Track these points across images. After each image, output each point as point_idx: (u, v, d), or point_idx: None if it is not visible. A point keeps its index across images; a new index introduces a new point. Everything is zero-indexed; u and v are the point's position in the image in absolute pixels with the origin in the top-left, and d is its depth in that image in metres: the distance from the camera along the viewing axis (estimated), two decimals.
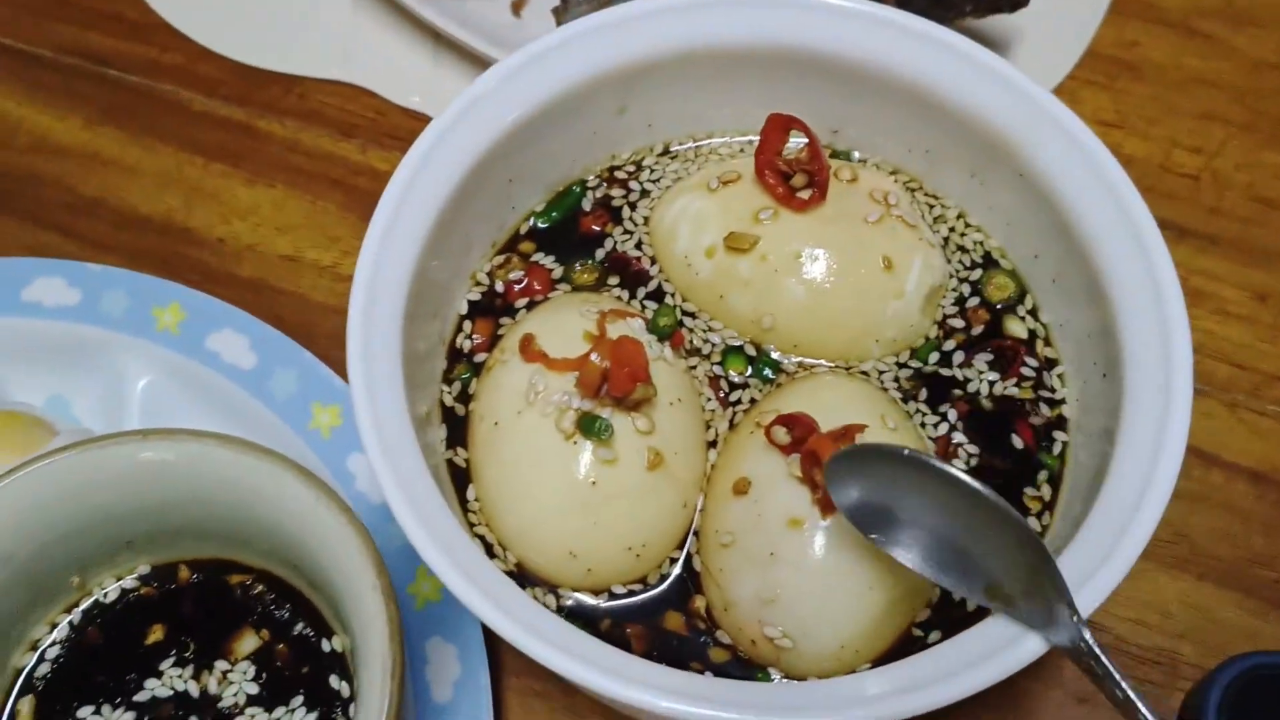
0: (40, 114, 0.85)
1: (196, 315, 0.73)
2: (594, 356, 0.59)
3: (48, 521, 0.56)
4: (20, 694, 0.59)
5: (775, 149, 0.65)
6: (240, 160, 0.83)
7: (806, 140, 0.65)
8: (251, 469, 0.55)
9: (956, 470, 0.51)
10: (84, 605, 0.61)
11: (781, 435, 0.58)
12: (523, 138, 0.65)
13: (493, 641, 0.66)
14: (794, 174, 0.65)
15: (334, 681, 0.59)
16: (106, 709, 0.58)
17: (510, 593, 0.53)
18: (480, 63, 0.85)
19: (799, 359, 0.65)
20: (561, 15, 0.83)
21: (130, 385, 0.72)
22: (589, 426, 0.58)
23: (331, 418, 0.69)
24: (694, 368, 0.65)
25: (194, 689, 0.59)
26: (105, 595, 0.61)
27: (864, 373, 0.64)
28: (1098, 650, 0.50)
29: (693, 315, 0.66)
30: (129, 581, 0.61)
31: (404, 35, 0.88)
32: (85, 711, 0.58)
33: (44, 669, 0.59)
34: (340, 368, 0.68)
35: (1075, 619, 0.50)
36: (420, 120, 0.85)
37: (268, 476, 0.55)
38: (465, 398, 0.64)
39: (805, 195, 0.64)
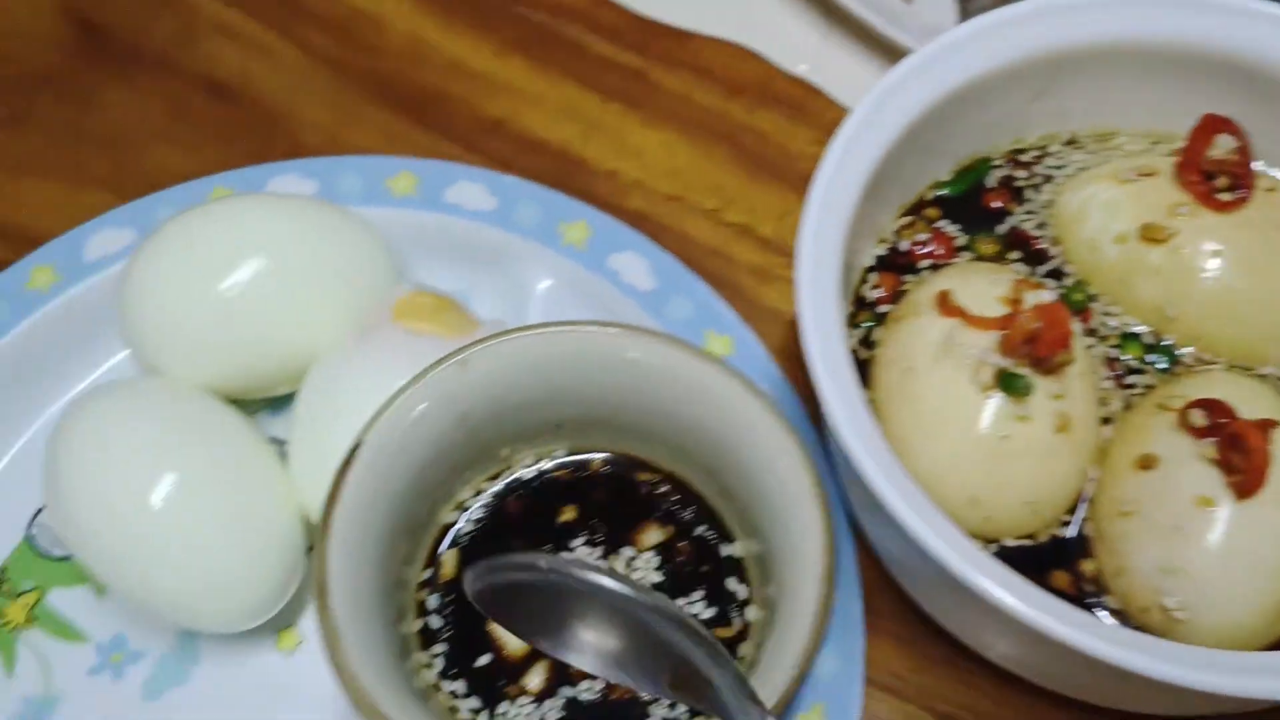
0: (455, 41, 0.91)
1: (601, 235, 0.78)
2: (1024, 316, 0.62)
3: (508, 391, 0.61)
4: (447, 547, 0.63)
5: (1202, 148, 0.68)
6: (635, 104, 0.88)
7: (1236, 144, 0.67)
8: (705, 374, 0.59)
9: (605, 579, 0.50)
10: (505, 477, 0.65)
11: (1198, 419, 0.61)
12: (944, 114, 0.68)
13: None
14: (1218, 175, 0.67)
15: (731, 584, 0.63)
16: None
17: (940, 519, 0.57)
18: (870, 39, 0.89)
19: (1198, 353, 0.67)
20: (968, 3, 0.86)
21: (530, 289, 0.77)
22: (1010, 382, 0.61)
23: (724, 347, 0.73)
24: (1090, 347, 0.67)
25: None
26: (525, 471, 0.66)
27: (1261, 376, 0.66)
28: None
29: (1092, 298, 0.68)
30: (546, 463, 0.66)
31: (797, 5, 0.92)
32: None
33: (467, 528, 0.64)
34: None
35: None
36: (806, 88, 0.89)
37: (717, 381, 0.59)
38: (868, 344, 0.68)
39: (1227, 197, 0.66)
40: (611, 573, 0.50)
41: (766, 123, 0.87)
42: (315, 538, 0.67)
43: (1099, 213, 0.68)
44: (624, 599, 0.49)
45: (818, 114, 0.88)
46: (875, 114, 0.66)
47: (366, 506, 0.57)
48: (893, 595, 0.70)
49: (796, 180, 0.85)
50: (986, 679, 0.70)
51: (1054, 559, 0.63)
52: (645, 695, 0.60)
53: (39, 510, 0.74)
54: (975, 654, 0.68)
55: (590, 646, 0.53)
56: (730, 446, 0.60)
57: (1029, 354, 0.62)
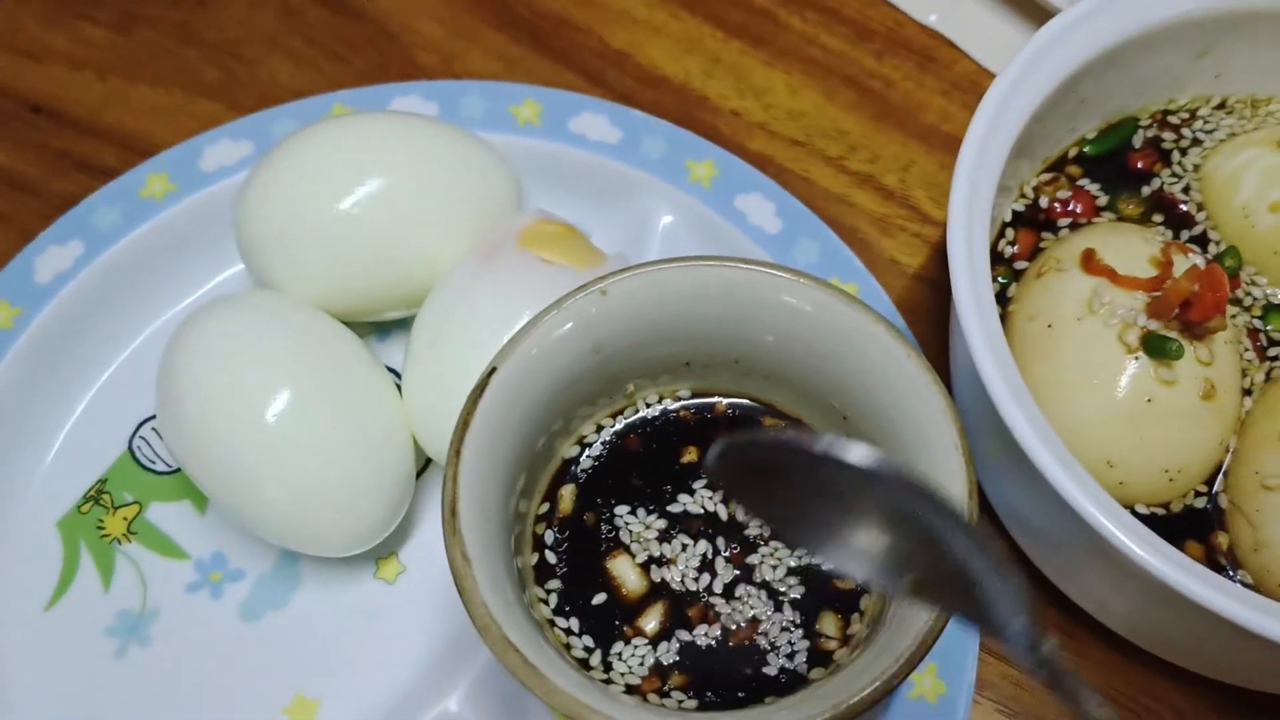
0: None
1: (728, 175, 0.76)
2: (1181, 278, 0.60)
3: (645, 324, 0.59)
4: (565, 481, 0.62)
5: None
6: (759, 42, 0.86)
7: None
8: (855, 319, 0.57)
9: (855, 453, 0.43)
10: (627, 413, 0.64)
11: None
12: (1101, 69, 0.66)
13: None
14: None
15: None
16: (641, 511, 0.61)
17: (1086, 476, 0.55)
18: None
19: None
20: None
21: (653, 223, 0.76)
22: (1159, 345, 0.59)
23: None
24: (1233, 317, 0.65)
25: (723, 512, 0.61)
26: (648, 409, 0.64)
27: None
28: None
29: (1239, 266, 0.66)
30: (670, 402, 0.64)
31: None
32: (622, 510, 0.61)
33: (586, 464, 0.63)
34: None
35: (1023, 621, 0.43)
36: (935, 38, 0.87)
37: (862, 327, 0.57)
38: (1002, 300, 0.66)
39: None
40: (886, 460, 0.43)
41: (894, 70, 0.85)
42: (440, 462, 0.66)
43: (1253, 178, 0.66)
44: (895, 480, 0.43)
45: (946, 65, 0.86)
46: (1030, 69, 0.64)
47: (495, 433, 0.56)
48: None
49: (921, 131, 0.83)
50: (1098, 648, 0.68)
51: (1187, 529, 0.61)
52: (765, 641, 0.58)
53: (142, 422, 0.73)
54: (1086, 622, 0.67)
55: (830, 535, 0.46)
56: (870, 394, 0.58)
57: (1180, 317, 0.60)
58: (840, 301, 0.57)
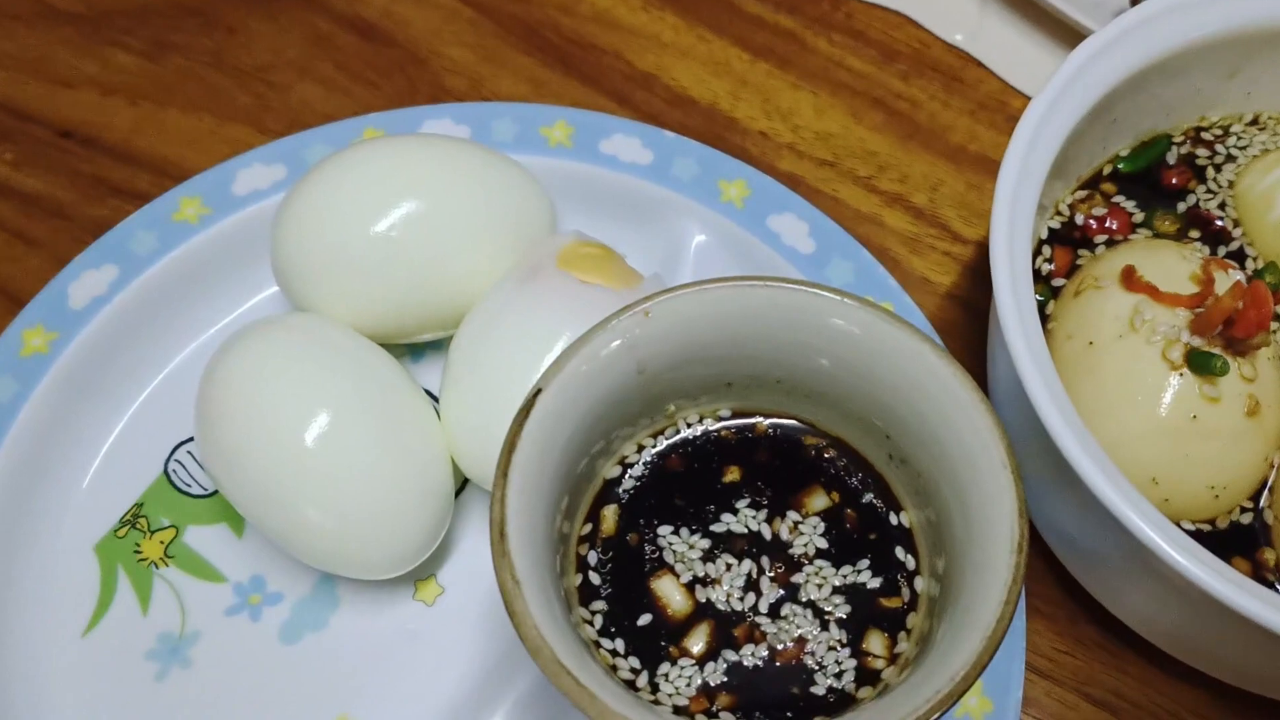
0: None
1: (761, 195, 0.76)
2: (1226, 295, 0.60)
3: (688, 344, 0.59)
4: (607, 502, 0.62)
5: None
6: (787, 64, 0.86)
7: None
8: (899, 338, 0.57)
9: None
10: (669, 434, 0.64)
11: None
12: (1135, 89, 0.66)
13: None
14: None
15: (899, 553, 0.61)
16: (684, 531, 0.61)
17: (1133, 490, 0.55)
18: (1029, 8, 0.86)
19: None
20: None
21: (686, 244, 0.76)
22: (1204, 362, 0.59)
23: None
24: (1274, 332, 0.65)
25: (766, 531, 0.61)
26: (690, 429, 0.64)
27: None
28: None
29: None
30: (712, 422, 0.64)
31: None
32: (665, 530, 0.61)
33: (628, 484, 0.63)
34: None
35: None
36: (962, 58, 0.87)
37: (907, 346, 0.57)
38: (1040, 317, 0.66)
39: None
40: None
41: (921, 91, 0.85)
42: (478, 483, 0.67)
43: None
44: None
45: (973, 85, 0.86)
46: (1065, 91, 0.64)
47: (541, 454, 0.56)
48: (1045, 575, 0.69)
49: (949, 151, 0.83)
50: (1139, 665, 0.68)
51: (1233, 546, 0.61)
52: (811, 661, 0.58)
53: (177, 445, 0.73)
54: (1128, 638, 0.67)
55: None
56: (914, 412, 0.58)
57: (1224, 334, 0.60)
58: (885, 321, 0.57)
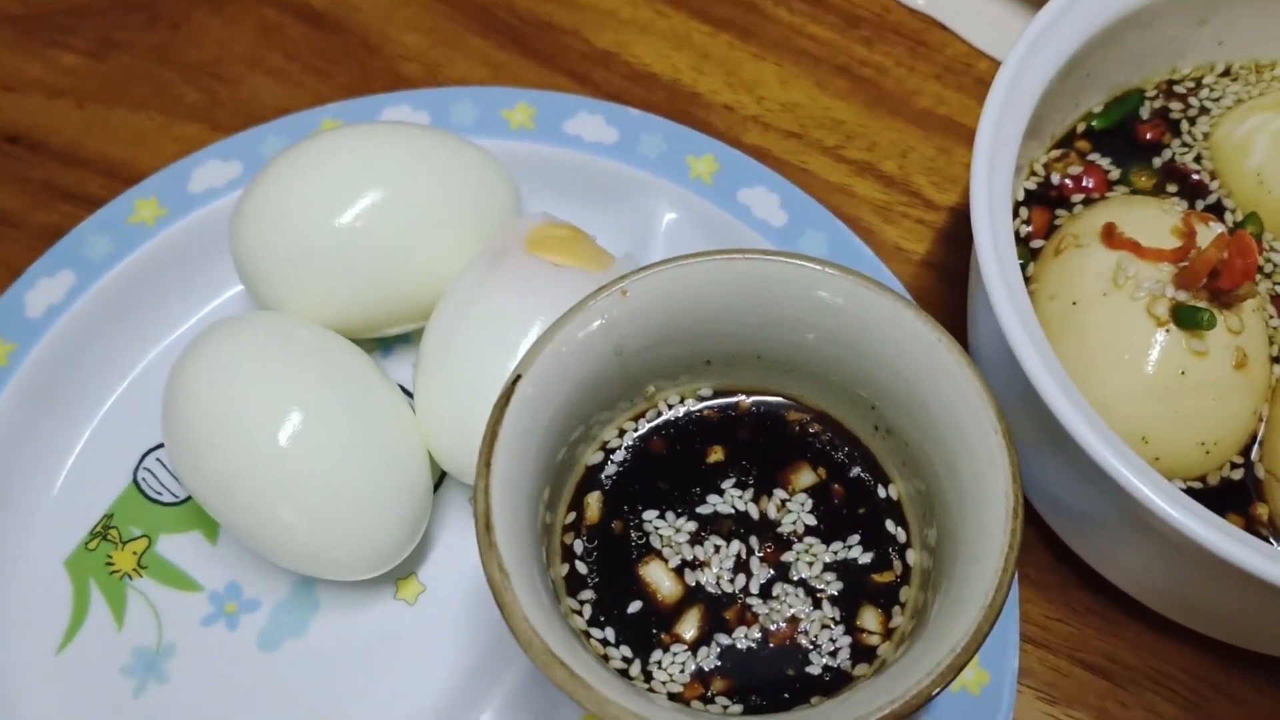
0: None
1: (730, 169, 0.75)
2: (1210, 246, 0.59)
3: (666, 323, 0.58)
4: (590, 489, 0.61)
5: None
6: (748, 35, 0.85)
7: None
8: (880, 306, 0.56)
9: None
10: (649, 416, 0.62)
11: None
12: (1105, 42, 0.65)
13: None
14: None
15: (890, 526, 0.60)
16: (670, 515, 0.60)
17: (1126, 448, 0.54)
18: None
19: None
20: None
21: (656, 222, 0.74)
22: (1190, 316, 0.58)
23: None
24: (1256, 283, 0.64)
25: (754, 511, 0.60)
26: (671, 410, 0.63)
27: None
28: None
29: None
30: (693, 402, 0.63)
31: None
32: (650, 514, 0.60)
33: (611, 470, 0.61)
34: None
35: None
36: (925, 21, 0.86)
37: (890, 313, 0.56)
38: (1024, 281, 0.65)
39: None
40: None
41: (885, 56, 0.84)
42: (456, 476, 0.65)
43: (1264, 143, 0.66)
44: None
45: (937, 48, 0.85)
46: (1036, 49, 0.63)
47: (523, 442, 0.54)
48: (1035, 542, 0.68)
49: (916, 116, 0.82)
50: (1132, 628, 0.67)
51: (1225, 502, 0.60)
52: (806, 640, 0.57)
53: (146, 453, 0.71)
54: (1120, 602, 0.66)
55: None
56: (899, 380, 0.57)
57: (1209, 286, 0.59)
58: (869, 289, 0.56)
